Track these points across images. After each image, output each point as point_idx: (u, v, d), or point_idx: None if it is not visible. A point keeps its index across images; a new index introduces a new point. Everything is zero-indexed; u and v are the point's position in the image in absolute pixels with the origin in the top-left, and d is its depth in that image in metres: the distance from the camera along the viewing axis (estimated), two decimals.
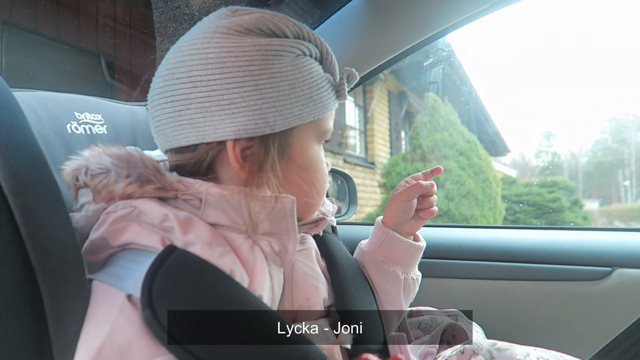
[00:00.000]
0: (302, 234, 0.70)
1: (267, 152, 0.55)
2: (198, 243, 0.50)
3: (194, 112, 0.53)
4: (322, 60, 0.60)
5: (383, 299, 0.73)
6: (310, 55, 0.58)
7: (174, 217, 0.51)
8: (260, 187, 0.55)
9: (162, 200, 0.54)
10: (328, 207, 0.72)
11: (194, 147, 0.56)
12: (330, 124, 0.63)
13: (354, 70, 0.63)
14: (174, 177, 0.54)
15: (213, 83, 0.53)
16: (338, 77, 0.61)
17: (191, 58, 0.54)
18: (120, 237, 0.52)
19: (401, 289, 0.74)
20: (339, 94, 0.61)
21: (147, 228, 0.51)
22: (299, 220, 0.60)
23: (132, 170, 0.53)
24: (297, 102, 0.55)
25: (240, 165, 0.55)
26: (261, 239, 0.57)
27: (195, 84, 0.53)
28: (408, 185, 0.75)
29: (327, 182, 0.65)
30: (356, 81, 0.64)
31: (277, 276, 0.58)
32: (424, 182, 0.75)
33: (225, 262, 0.51)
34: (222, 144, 0.55)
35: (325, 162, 0.66)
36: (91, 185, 0.53)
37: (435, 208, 0.77)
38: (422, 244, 0.77)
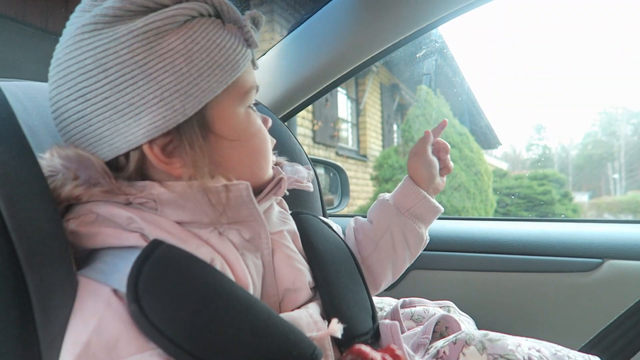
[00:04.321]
0: (281, 210, 0.68)
1: (191, 141, 0.51)
2: (171, 239, 0.49)
3: (97, 126, 0.49)
4: (218, 13, 0.54)
5: (398, 255, 0.78)
6: (202, 15, 0.52)
7: (140, 218, 0.49)
8: (203, 177, 0.51)
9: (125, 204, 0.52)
10: (302, 173, 0.69)
11: (115, 162, 0.52)
12: (249, 80, 0.57)
13: (257, 11, 0.57)
14: (125, 181, 0.52)
15: (102, 90, 0.48)
16: (243, 26, 0.55)
17: (70, 71, 0.49)
18: (92, 242, 0.50)
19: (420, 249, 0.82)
20: (248, 42, 0.55)
21: (120, 229, 0.50)
22: (258, 193, 0.57)
23: (81, 172, 0.50)
24: (200, 75, 0.50)
25: (167, 163, 0.51)
26: (228, 230, 0.55)
27: (86, 97, 0.49)
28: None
29: (269, 142, 0.62)
30: (263, 22, 0.58)
31: (254, 263, 0.56)
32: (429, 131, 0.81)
33: (204, 252, 0.50)
34: (138, 150, 0.51)
35: (263, 117, 0.62)
36: None
37: (451, 163, 0.83)
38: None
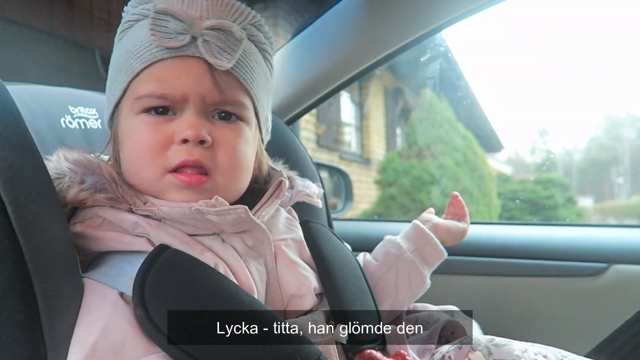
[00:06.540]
0: (289, 217, 0.68)
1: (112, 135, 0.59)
2: (176, 244, 0.50)
3: None
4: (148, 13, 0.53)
5: (401, 299, 0.75)
6: (137, 21, 0.54)
7: (146, 224, 0.51)
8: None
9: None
10: (313, 189, 0.71)
11: None
12: (146, 86, 0.53)
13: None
14: (130, 191, 0.53)
15: None
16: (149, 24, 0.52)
17: None
18: (99, 245, 0.51)
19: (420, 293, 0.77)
20: (155, 38, 0.51)
21: (126, 234, 0.51)
22: (236, 200, 0.58)
23: (87, 177, 0.52)
24: (110, 80, 0.58)
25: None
26: (232, 237, 0.56)
27: None
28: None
29: (143, 151, 0.53)
30: (175, 16, 0.51)
31: (257, 269, 0.57)
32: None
33: (208, 257, 0.51)
34: None
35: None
36: None
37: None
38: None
